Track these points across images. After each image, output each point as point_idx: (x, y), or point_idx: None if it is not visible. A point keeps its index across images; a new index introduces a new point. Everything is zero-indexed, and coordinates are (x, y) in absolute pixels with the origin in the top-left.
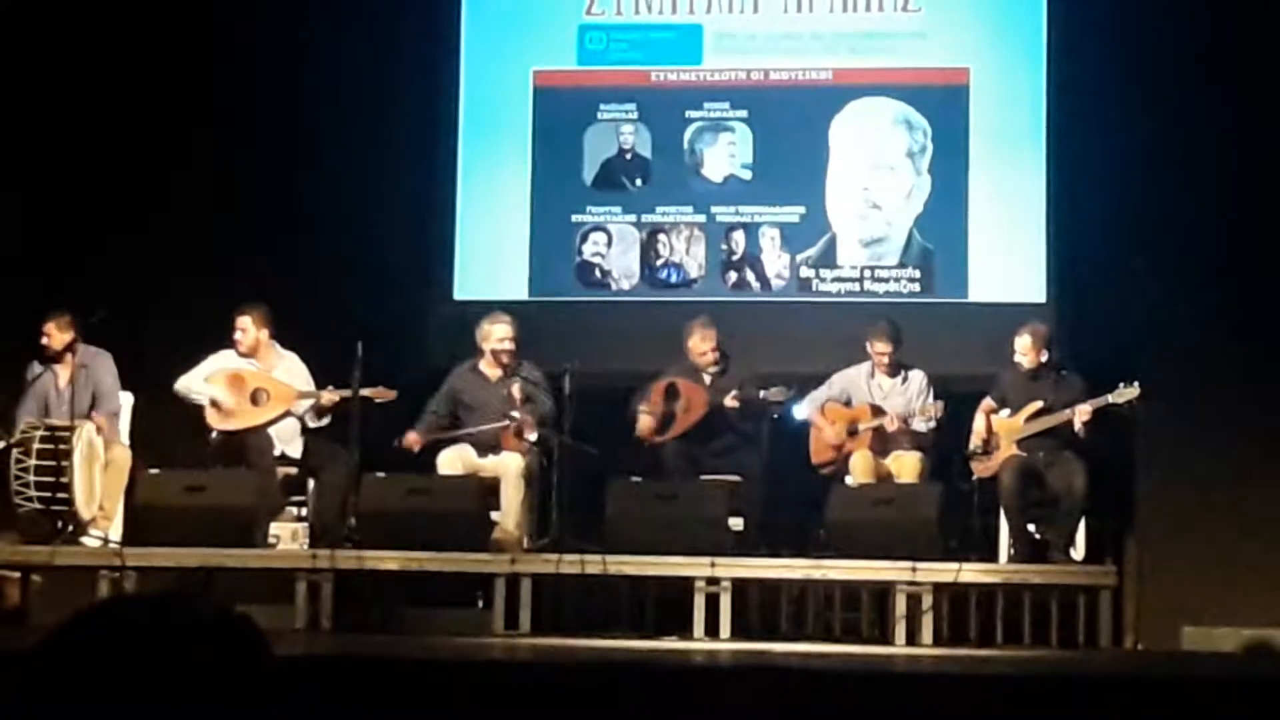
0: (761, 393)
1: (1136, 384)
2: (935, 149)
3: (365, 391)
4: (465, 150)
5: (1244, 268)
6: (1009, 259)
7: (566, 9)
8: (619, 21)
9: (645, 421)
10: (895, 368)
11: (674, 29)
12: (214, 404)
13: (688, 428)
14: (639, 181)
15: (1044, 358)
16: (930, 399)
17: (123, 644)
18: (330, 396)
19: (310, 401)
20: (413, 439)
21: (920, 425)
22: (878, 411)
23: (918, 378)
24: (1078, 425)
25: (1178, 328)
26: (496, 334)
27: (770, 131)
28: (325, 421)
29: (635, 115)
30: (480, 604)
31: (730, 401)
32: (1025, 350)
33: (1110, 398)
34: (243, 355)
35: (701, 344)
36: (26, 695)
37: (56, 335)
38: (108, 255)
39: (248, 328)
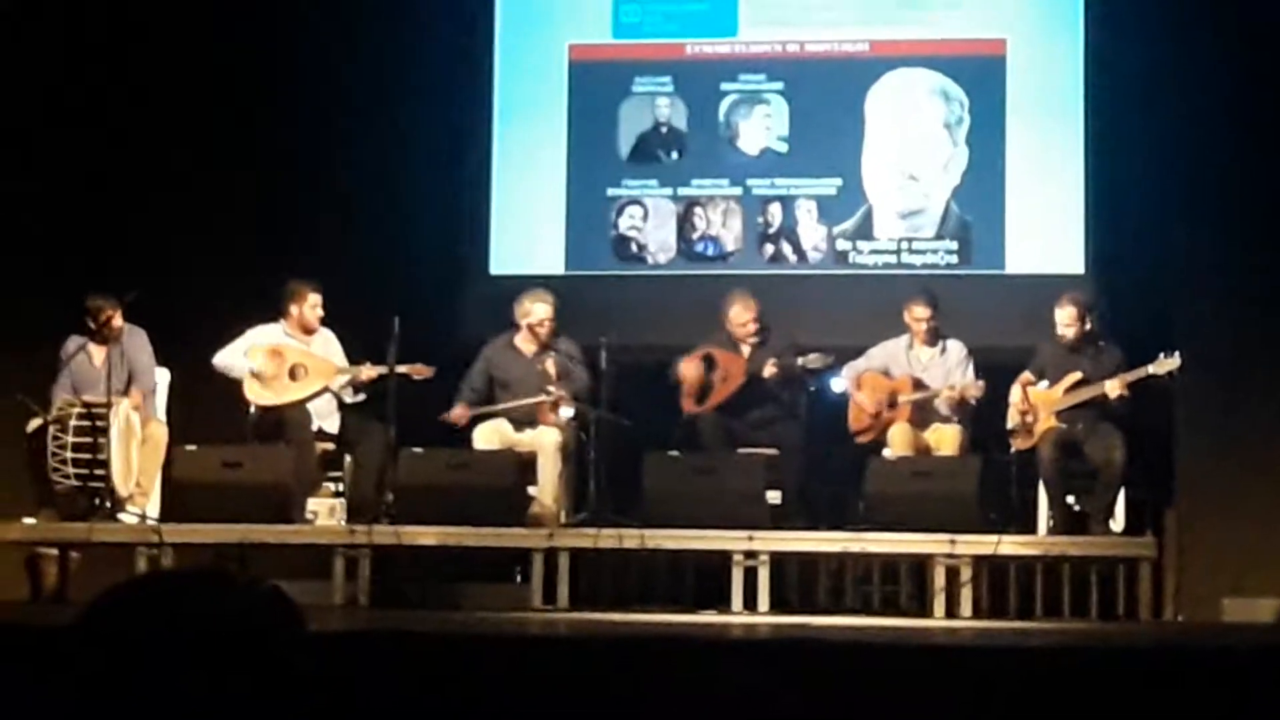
0: (800, 359)
1: (1177, 354)
2: (972, 120)
3: (403, 368)
4: (500, 125)
5: None
6: (1047, 230)
7: None
8: None
9: (686, 398)
10: (933, 336)
11: (709, 1)
12: (254, 375)
13: (726, 398)
14: (675, 155)
15: (1086, 328)
16: (970, 371)
17: (158, 618)
18: (370, 372)
19: (347, 377)
20: (460, 413)
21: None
22: (919, 385)
23: (956, 348)
24: (1115, 396)
25: (1217, 298)
26: (538, 313)
27: (806, 103)
28: (361, 397)
29: (670, 88)
30: (518, 579)
31: (770, 369)
32: (1069, 321)
33: (1150, 368)
34: (305, 332)
35: (743, 314)
36: (64, 669)
37: (116, 313)
38: (143, 232)
39: (317, 304)
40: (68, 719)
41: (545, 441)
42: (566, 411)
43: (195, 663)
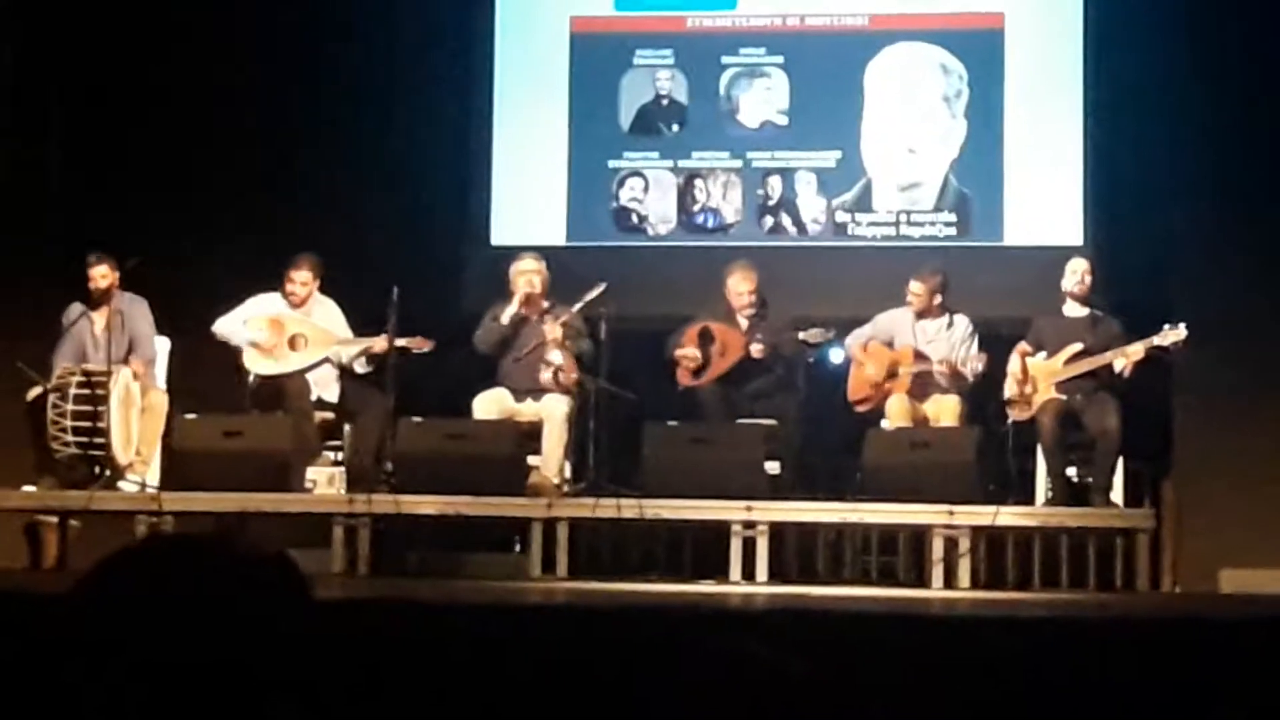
0: (800, 334)
1: (1182, 326)
2: (971, 93)
3: (402, 341)
4: (503, 97)
5: None
6: (1045, 202)
7: None
8: None
9: (682, 373)
10: (940, 310)
11: None
12: (254, 345)
13: (724, 371)
14: (675, 127)
15: (1091, 290)
16: (974, 346)
17: (162, 584)
18: (381, 344)
19: (356, 349)
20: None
21: (964, 372)
22: (920, 357)
23: (963, 322)
24: (1120, 367)
25: (1215, 270)
26: (516, 269)
27: (806, 77)
28: (372, 369)
29: (671, 61)
30: (517, 548)
31: (757, 350)
32: (1082, 272)
33: (1156, 340)
34: (294, 306)
35: (741, 284)
36: (67, 634)
37: (110, 274)
38: (145, 200)
39: (307, 281)
40: (69, 687)
41: (554, 411)
42: (572, 374)
43: (199, 629)
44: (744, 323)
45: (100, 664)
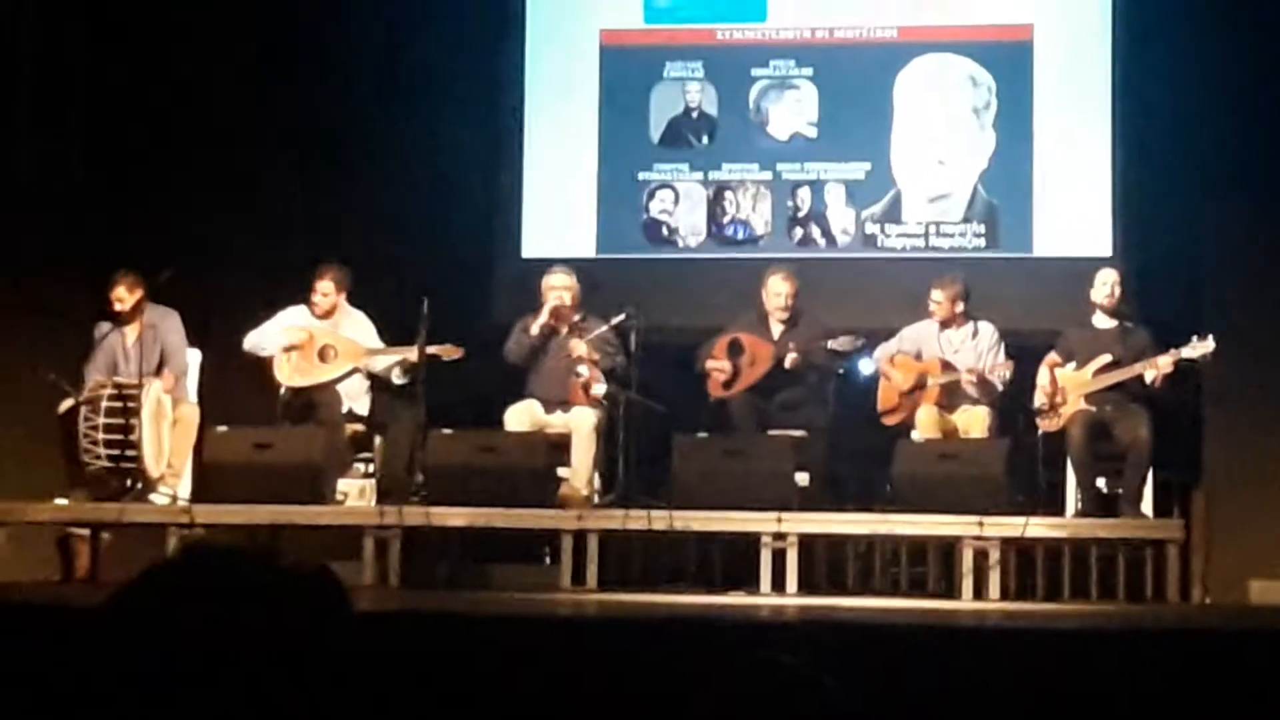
0: (829, 342)
1: (1211, 338)
2: (1000, 105)
3: (433, 349)
4: (533, 109)
5: None
6: (1074, 213)
7: None
8: None
9: (713, 384)
10: (964, 319)
11: None
12: (288, 349)
13: (753, 382)
14: (705, 139)
15: (1120, 302)
16: (1001, 355)
17: (204, 595)
18: (412, 355)
19: (390, 360)
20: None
21: (992, 380)
22: (948, 368)
23: (988, 331)
24: (1150, 379)
25: (1245, 280)
26: (548, 284)
27: (836, 89)
28: (407, 380)
29: (701, 74)
30: (547, 560)
31: (791, 360)
32: (1111, 284)
33: (1184, 352)
34: (319, 317)
35: (782, 284)
36: (107, 645)
37: (127, 296)
38: (174, 213)
39: (329, 292)
40: (112, 696)
41: (581, 423)
42: (599, 387)
43: (241, 643)
44: (776, 329)
45: (140, 676)
